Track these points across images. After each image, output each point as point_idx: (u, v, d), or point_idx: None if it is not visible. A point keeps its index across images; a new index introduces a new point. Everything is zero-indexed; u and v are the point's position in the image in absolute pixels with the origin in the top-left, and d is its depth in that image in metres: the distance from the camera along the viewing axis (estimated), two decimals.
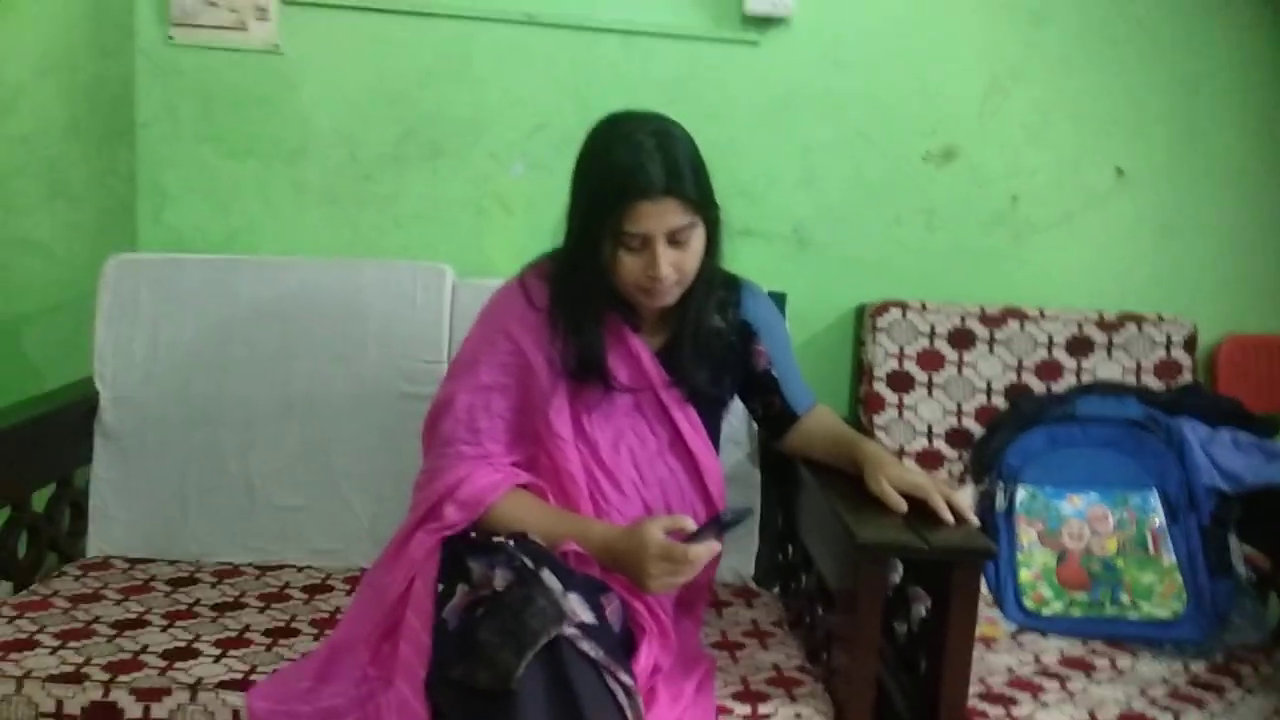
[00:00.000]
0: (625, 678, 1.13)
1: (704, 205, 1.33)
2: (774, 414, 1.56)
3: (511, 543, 1.23)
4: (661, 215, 1.28)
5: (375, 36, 1.93)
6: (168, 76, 1.91)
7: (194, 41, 1.90)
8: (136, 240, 1.95)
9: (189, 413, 1.76)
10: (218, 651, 1.39)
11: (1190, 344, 1.95)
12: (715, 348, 1.45)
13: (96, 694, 1.27)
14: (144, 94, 1.91)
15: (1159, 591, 1.64)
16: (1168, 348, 1.94)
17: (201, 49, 1.90)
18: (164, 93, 1.92)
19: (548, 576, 1.16)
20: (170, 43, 1.90)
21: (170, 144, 1.93)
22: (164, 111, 1.92)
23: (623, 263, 1.31)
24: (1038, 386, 1.93)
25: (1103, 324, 1.95)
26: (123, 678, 1.29)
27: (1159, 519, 1.69)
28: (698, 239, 1.33)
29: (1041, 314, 1.95)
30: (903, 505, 1.34)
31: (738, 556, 1.76)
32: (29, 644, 1.37)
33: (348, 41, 1.93)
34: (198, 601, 1.56)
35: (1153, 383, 1.93)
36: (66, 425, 1.72)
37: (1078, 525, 1.70)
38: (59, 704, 1.26)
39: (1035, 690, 1.42)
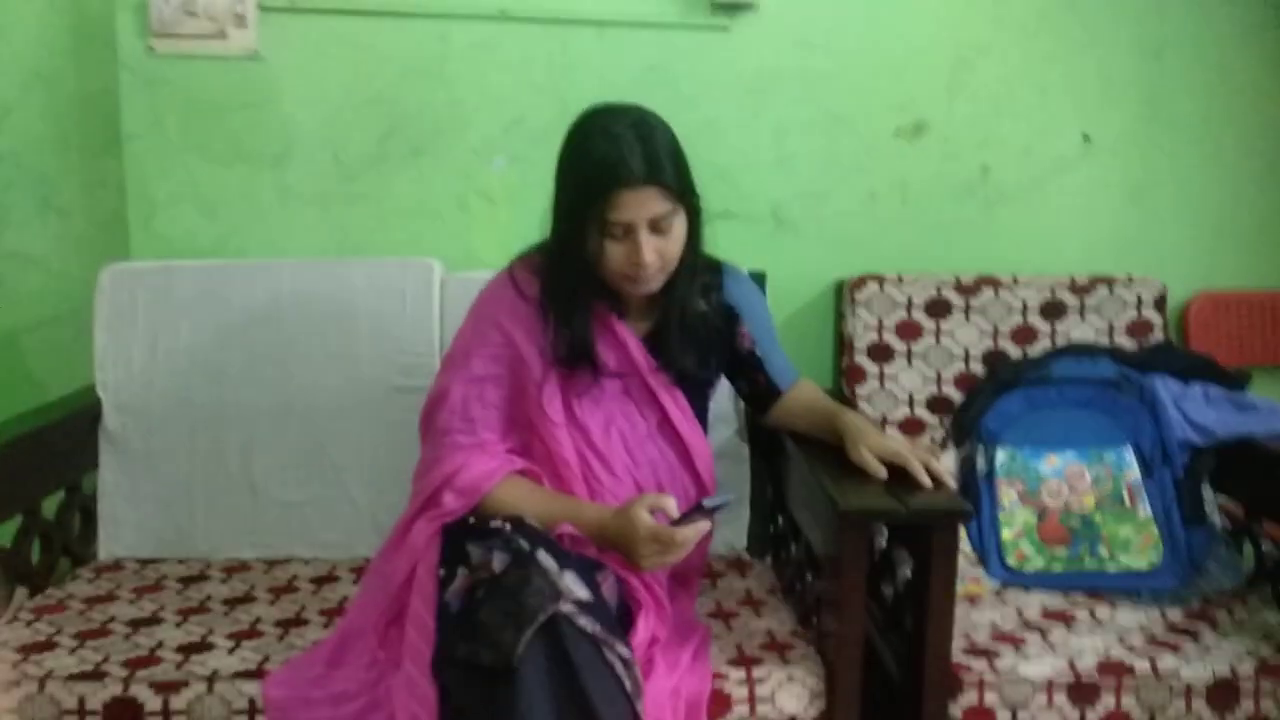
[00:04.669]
0: (622, 649, 1.17)
1: (684, 193, 1.36)
2: (759, 391, 1.60)
3: (508, 527, 1.26)
4: (643, 204, 1.31)
5: (352, 39, 1.95)
6: (151, 87, 1.93)
7: (175, 51, 1.92)
8: (129, 249, 1.98)
9: (190, 415, 1.79)
10: (231, 644, 1.43)
11: (1160, 303, 1.98)
12: (700, 331, 1.49)
13: (117, 689, 1.31)
14: (128, 106, 1.94)
15: (1136, 544, 1.69)
16: (1139, 307, 1.97)
17: (183, 59, 1.93)
18: (148, 104, 1.94)
19: (544, 557, 1.20)
20: (151, 54, 1.92)
21: (157, 154, 1.95)
22: (149, 122, 1.95)
23: (608, 252, 1.35)
24: (1014, 351, 1.97)
25: (1074, 288, 1.99)
26: (141, 673, 1.33)
27: (1134, 474, 1.73)
28: (679, 226, 1.37)
29: (1015, 280, 1.99)
30: (883, 472, 1.39)
31: (730, 529, 1.80)
32: (48, 645, 1.41)
33: (326, 45, 1.95)
34: (209, 597, 1.60)
35: (1125, 342, 1.96)
36: (72, 433, 1.76)
37: (1056, 484, 1.74)
38: (81, 701, 1.30)
39: (1017, 642, 1.47)
